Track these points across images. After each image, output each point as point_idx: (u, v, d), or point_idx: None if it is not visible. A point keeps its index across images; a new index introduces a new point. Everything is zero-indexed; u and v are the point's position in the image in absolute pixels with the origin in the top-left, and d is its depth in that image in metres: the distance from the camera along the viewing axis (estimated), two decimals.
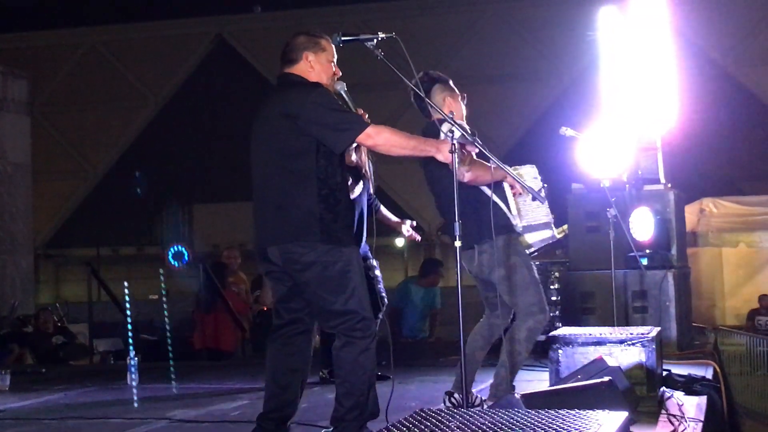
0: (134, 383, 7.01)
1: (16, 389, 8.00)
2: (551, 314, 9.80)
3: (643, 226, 8.44)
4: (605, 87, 9.53)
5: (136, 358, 7.98)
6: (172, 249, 14.55)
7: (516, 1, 23.70)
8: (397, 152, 4.94)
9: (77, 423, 6.30)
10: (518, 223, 5.74)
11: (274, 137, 4.74)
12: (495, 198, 5.67)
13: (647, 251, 8.39)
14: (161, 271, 6.35)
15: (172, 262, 14.27)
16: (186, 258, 14.49)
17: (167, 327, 6.60)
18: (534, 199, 5.64)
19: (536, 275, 5.76)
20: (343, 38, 4.96)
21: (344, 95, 4.96)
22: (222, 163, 24.53)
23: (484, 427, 3.17)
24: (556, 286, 9.71)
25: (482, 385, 6.67)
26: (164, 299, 7.05)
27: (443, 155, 4.81)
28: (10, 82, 15.48)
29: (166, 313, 6.77)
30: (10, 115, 15.29)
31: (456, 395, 5.82)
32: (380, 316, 7.55)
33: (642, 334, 5.71)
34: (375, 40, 4.92)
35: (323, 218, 4.66)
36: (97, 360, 11.36)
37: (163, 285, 6.17)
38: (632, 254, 8.10)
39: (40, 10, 25.10)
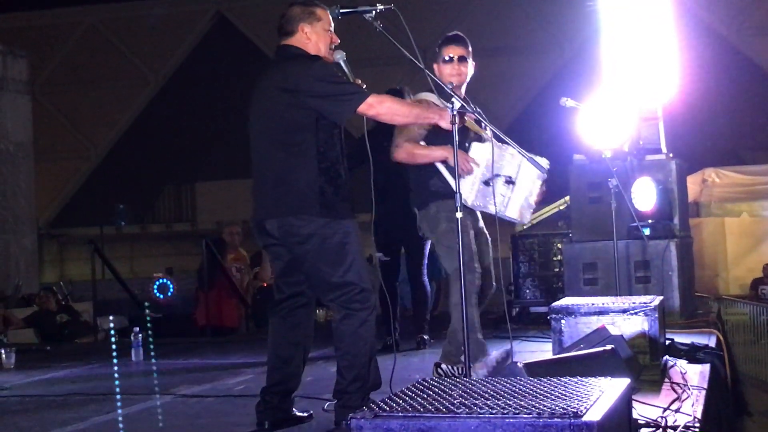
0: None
1: (21, 367, 8.04)
2: (554, 285, 9.90)
3: (645, 196, 8.43)
4: (606, 58, 9.49)
5: (141, 335, 8.05)
6: (157, 282, 14.34)
7: None
8: (401, 120, 5.07)
9: (82, 399, 6.32)
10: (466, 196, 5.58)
11: (273, 111, 4.74)
12: (440, 167, 5.69)
13: (649, 221, 8.38)
14: (146, 304, 6.41)
15: (157, 295, 14.10)
16: (171, 291, 14.29)
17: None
18: (487, 182, 5.53)
19: (468, 239, 5.69)
20: (341, 11, 4.94)
21: (343, 64, 4.94)
22: (224, 140, 24.53)
23: (487, 396, 3.17)
24: (559, 257, 9.73)
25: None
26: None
27: (445, 122, 4.85)
28: (10, 62, 15.45)
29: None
30: (11, 95, 15.27)
31: (443, 366, 5.88)
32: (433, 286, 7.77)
33: (644, 303, 5.70)
34: (374, 12, 4.91)
35: (324, 191, 4.66)
36: (101, 337, 11.39)
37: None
38: (634, 224, 8.10)
39: None
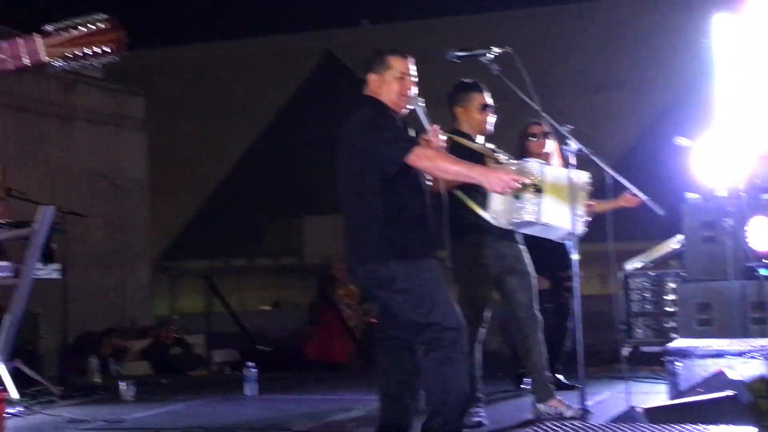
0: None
1: (139, 400, 8.23)
2: (665, 325, 9.77)
3: (761, 235, 8.28)
4: (718, 94, 9.37)
5: (254, 370, 8.20)
6: None
7: (624, 9, 23.41)
8: (442, 176, 4.93)
9: None
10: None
11: (344, 157, 4.87)
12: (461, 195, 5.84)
13: (766, 261, 8.23)
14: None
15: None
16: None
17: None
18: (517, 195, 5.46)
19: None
20: (458, 53, 4.99)
21: (419, 111, 4.91)
22: (332, 175, 24.77)
23: None
24: (671, 296, 9.60)
25: (599, 397, 6.65)
26: None
27: (489, 185, 4.76)
28: (128, 100, 15.90)
29: None
30: (127, 132, 15.68)
31: (540, 406, 5.92)
32: (567, 325, 7.64)
33: (763, 346, 5.60)
34: (490, 55, 4.95)
35: (391, 237, 4.71)
36: (214, 370, 11.62)
37: None
38: (750, 264, 7.96)
39: (153, 29, 25.82)
